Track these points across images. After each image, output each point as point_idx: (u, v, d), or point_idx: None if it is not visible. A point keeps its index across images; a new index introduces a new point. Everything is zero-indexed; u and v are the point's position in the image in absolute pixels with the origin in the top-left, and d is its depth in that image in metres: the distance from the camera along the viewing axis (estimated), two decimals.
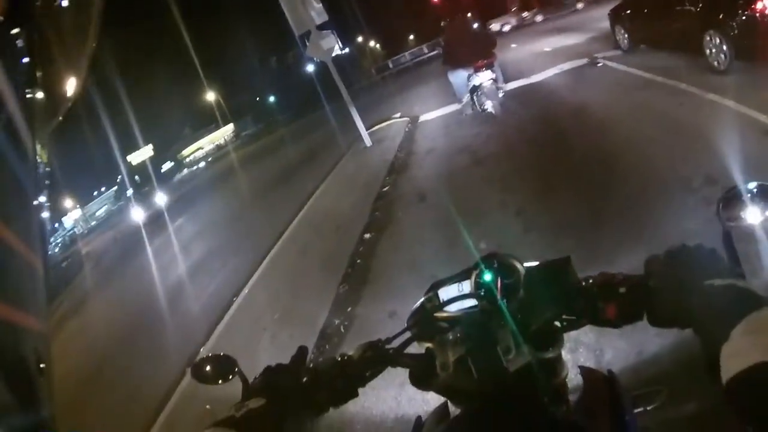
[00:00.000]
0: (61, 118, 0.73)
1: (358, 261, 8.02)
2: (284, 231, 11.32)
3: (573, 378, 1.74)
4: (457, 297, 1.70)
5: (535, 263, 1.68)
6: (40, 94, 0.58)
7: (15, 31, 0.54)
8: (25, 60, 0.54)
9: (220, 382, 1.65)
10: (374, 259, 7.97)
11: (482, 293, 1.68)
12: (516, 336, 1.46)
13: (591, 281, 1.50)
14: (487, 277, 1.69)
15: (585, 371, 1.94)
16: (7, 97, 0.46)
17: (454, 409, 1.80)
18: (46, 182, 0.56)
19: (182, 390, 6.81)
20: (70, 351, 13.81)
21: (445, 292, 1.79)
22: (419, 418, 1.92)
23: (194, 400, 6.19)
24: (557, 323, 1.53)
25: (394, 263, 7.53)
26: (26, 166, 0.46)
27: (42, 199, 0.51)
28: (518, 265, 1.67)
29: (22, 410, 0.37)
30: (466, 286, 1.75)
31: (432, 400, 1.71)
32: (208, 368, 1.67)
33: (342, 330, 6.42)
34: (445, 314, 1.73)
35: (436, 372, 1.51)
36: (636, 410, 1.99)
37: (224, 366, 1.67)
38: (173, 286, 13.31)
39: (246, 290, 9.09)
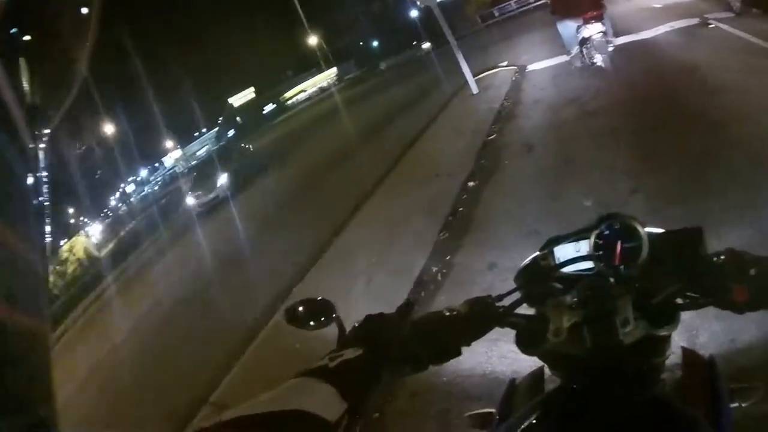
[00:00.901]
0: (60, 117, 0.70)
1: (461, 209, 7.93)
2: (388, 173, 11.42)
3: (672, 357, 1.66)
4: (574, 258, 1.66)
5: (660, 230, 1.62)
6: (40, 92, 0.57)
7: (14, 28, 0.55)
8: (25, 57, 0.54)
9: (314, 325, 1.55)
10: (477, 207, 7.88)
11: (601, 255, 1.61)
12: (636, 308, 1.42)
13: (721, 258, 1.40)
14: (608, 238, 1.61)
15: (686, 353, 1.89)
16: (6, 95, 0.46)
17: (548, 375, 1.79)
18: (46, 180, 0.53)
19: (273, 326, 7.06)
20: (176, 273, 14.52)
21: (562, 251, 1.74)
22: (513, 380, 1.92)
23: (285, 337, 6.23)
24: (679, 299, 1.45)
25: (497, 213, 7.43)
26: (26, 165, 0.47)
27: (42, 198, 0.50)
28: (641, 230, 1.58)
29: (23, 410, 0.38)
30: (584, 247, 1.68)
31: (525, 360, 1.66)
32: (303, 312, 1.57)
33: (439, 278, 6.38)
34: (560, 274, 1.69)
35: (546, 337, 1.45)
36: (732, 404, 1.85)
37: (321, 310, 1.56)
38: (273, 221, 13.78)
39: (345, 232, 9.22)
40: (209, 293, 11.26)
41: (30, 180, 0.47)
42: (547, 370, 1.78)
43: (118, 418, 8.13)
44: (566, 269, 1.67)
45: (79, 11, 0.66)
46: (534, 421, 1.51)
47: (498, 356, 4.37)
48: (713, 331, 3.80)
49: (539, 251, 1.78)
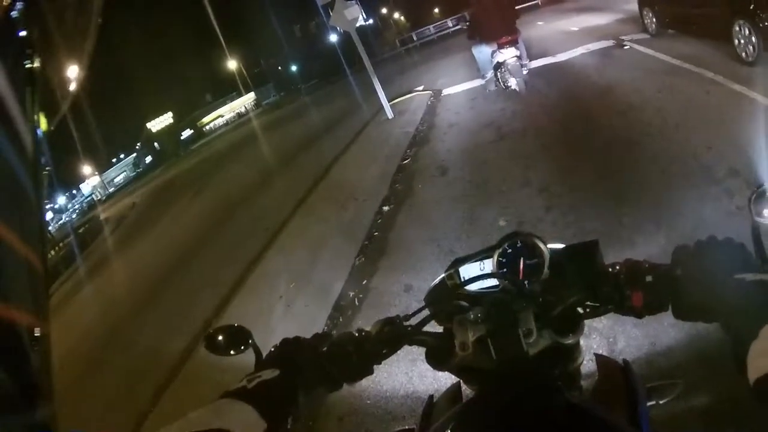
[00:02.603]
0: (61, 116, 0.72)
1: (376, 233, 8.02)
2: (304, 199, 11.32)
3: (587, 365, 1.73)
4: (478, 276, 1.68)
5: (560, 245, 1.69)
6: (40, 90, 0.55)
7: (15, 24, 0.54)
8: (26, 55, 0.53)
9: (233, 353, 1.60)
10: (392, 231, 7.96)
11: (504, 273, 1.67)
12: (538, 319, 1.46)
13: (617, 267, 1.47)
14: (510, 256, 1.68)
15: (600, 359, 1.94)
16: (6, 93, 0.46)
17: (466, 390, 1.82)
18: (46, 177, 0.54)
19: (196, 359, 6.86)
20: (83, 314, 14.11)
21: (467, 270, 1.78)
22: (431, 397, 1.92)
23: (208, 369, 6.07)
24: (580, 309, 1.52)
25: (412, 237, 7.52)
26: (26, 164, 0.46)
27: (43, 195, 0.51)
28: (542, 246, 1.65)
29: (23, 410, 0.38)
30: (488, 265, 1.74)
31: (443, 378, 1.70)
32: (221, 339, 1.61)
33: (357, 302, 6.41)
34: (465, 292, 1.72)
35: (454, 352, 1.49)
36: (650, 403, 1.97)
37: (238, 337, 1.61)
38: (192, 249, 13.45)
39: (265, 259, 9.10)
40: (127, 326, 10.84)
41: (30, 179, 0.46)
42: (464, 385, 1.81)
43: None
44: (472, 287, 1.72)
45: (80, 15, 0.67)
46: None
47: (418, 376, 4.49)
48: (632, 336, 3.97)
49: (445, 271, 1.82)
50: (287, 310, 6.77)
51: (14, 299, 0.39)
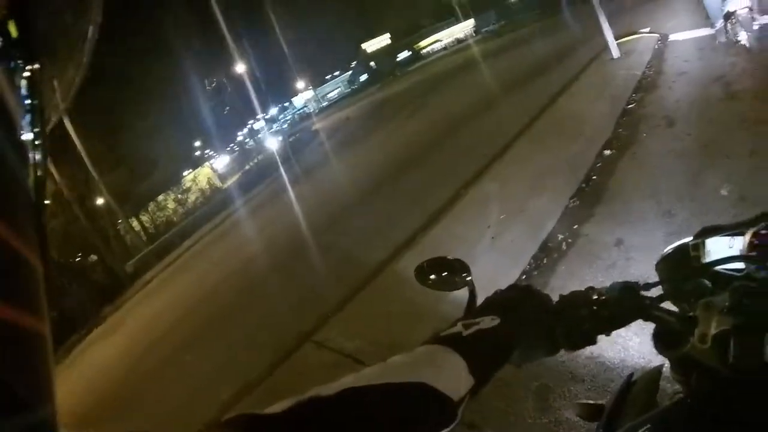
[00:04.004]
0: (61, 114, 0.71)
1: (594, 177, 7.78)
2: (526, 128, 11.21)
3: None
4: (728, 258, 1.47)
5: None
6: (40, 90, 0.54)
7: (14, 23, 0.53)
8: (25, 54, 0.53)
9: (446, 288, 1.49)
10: (611, 178, 7.67)
11: (757, 257, 1.42)
12: None
13: None
14: (765, 239, 1.44)
15: None
16: (6, 92, 0.46)
17: (666, 373, 1.63)
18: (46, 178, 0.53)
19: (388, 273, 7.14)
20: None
21: (714, 244, 1.55)
22: (630, 376, 1.81)
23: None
24: None
25: (631, 187, 7.22)
26: (26, 163, 0.47)
27: (43, 194, 0.51)
28: None
29: (23, 411, 0.38)
30: (738, 243, 1.49)
31: (632, 347, 1.48)
32: (435, 271, 1.50)
33: (564, 247, 6.30)
34: (710, 270, 1.51)
35: (689, 340, 1.30)
36: None
37: (454, 271, 1.49)
38: (404, 168, 13.79)
39: (477, 184, 9.13)
40: (334, 226, 11.72)
41: (30, 179, 0.48)
42: (666, 371, 1.63)
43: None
44: (719, 267, 1.50)
45: (79, 14, 0.65)
46: None
47: (608, 341, 4.23)
48: None
49: (691, 240, 1.60)
50: (492, 243, 6.79)
51: (14, 299, 0.38)
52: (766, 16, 12.63)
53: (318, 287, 8.40)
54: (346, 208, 12.85)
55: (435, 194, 9.39)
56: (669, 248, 1.68)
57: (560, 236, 6.52)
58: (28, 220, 0.43)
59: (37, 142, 0.50)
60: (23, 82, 0.51)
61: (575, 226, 6.67)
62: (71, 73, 0.68)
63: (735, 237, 1.51)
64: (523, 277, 6.04)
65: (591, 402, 1.89)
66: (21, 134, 0.48)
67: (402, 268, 6.93)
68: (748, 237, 1.46)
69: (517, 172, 8.93)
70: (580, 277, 5.63)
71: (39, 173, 0.49)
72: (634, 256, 5.51)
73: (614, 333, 1.41)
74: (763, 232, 1.45)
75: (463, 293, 1.44)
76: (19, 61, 0.51)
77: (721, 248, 1.53)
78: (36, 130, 0.50)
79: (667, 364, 1.57)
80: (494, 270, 6.18)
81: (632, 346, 4.08)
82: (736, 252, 1.49)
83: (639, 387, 1.74)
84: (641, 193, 6.86)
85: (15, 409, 0.37)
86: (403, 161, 14.44)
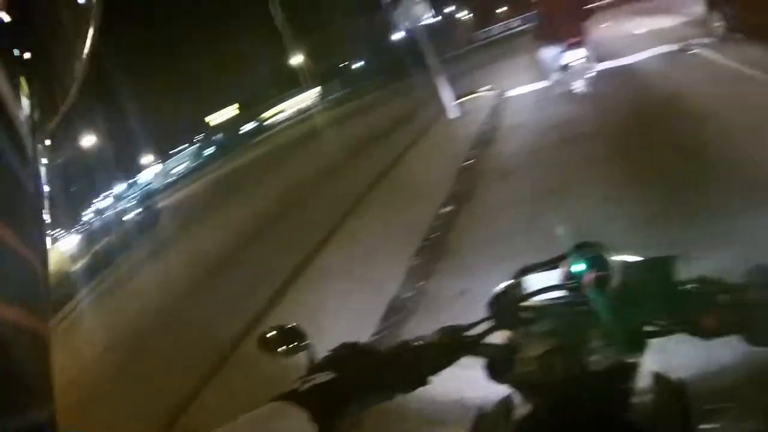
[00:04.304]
0: (61, 114, 0.68)
1: (434, 234, 7.92)
2: (363, 196, 11.40)
3: (643, 383, 1.58)
4: (547, 288, 1.57)
5: (632, 258, 1.59)
6: (40, 90, 0.55)
7: (14, 23, 0.52)
8: (25, 55, 0.53)
9: (287, 355, 1.59)
10: (451, 233, 7.88)
11: (573, 285, 1.55)
12: (605, 336, 1.41)
13: (692, 286, 1.39)
14: (580, 267, 1.56)
15: (657, 378, 1.75)
16: (5, 94, 0.44)
17: (518, 402, 1.66)
18: (46, 179, 0.52)
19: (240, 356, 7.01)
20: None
21: (533, 280, 1.68)
22: (481, 407, 1.80)
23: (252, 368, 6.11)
24: (648, 327, 1.45)
25: (472, 240, 7.44)
26: (26, 164, 0.44)
27: (42, 195, 0.48)
28: (612, 259, 1.54)
29: (22, 411, 0.36)
30: (556, 276, 1.63)
31: (495, 386, 1.60)
32: (275, 339, 1.62)
33: (410, 305, 6.33)
34: (531, 304, 1.63)
35: (517, 365, 1.46)
36: (706, 426, 1.76)
37: (293, 337, 1.60)
38: (250, 235, 13.94)
39: (320, 254, 9.19)
40: (180, 311, 11.28)
41: (30, 179, 0.45)
42: (516, 398, 1.67)
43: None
44: (537, 298, 1.61)
45: (79, 16, 0.64)
46: None
47: (468, 382, 4.28)
48: (687, 354, 3.62)
49: (510, 280, 1.75)
50: (340, 308, 6.79)
51: (14, 299, 0.36)
52: (602, 63, 13.40)
53: (172, 373, 7.99)
54: (193, 290, 12.63)
55: (280, 267, 9.41)
56: (496, 289, 1.78)
57: (405, 296, 6.55)
58: (28, 220, 0.43)
59: (37, 143, 0.50)
60: (23, 83, 0.51)
61: (419, 284, 6.72)
62: (70, 75, 0.66)
63: (552, 270, 1.66)
64: (374, 338, 6.03)
65: None
66: (21, 135, 0.46)
67: (253, 346, 6.69)
68: (563, 268, 1.61)
69: (356, 241, 9.14)
70: (429, 330, 5.58)
71: (39, 173, 0.49)
72: (479, 303, 5.44)
73: (471, 374, 1.63)
74: (578, 262, 1.58)
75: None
76: (20, 63, 0.52)
77: (540, 282, 1.65)
78: (36, 131, 0.50)
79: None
80: (343, 337, 5.93)
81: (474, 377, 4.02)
82: (554, 283, 1.62)
83: (491, 416, 1.76)
84: (480, 244, 7.12)
85: (15, 409, 0.37)
86: (249, 236, 14.52)
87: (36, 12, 0.55)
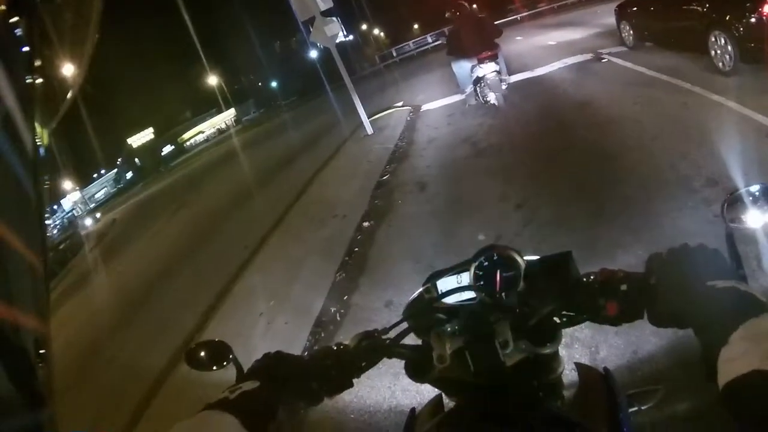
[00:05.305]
0: (61, 113, 0.72)
1: (356, 249, 8.00)
2: (283, 217, 11.30)
3: (568, 374, 1.75)
4: (455, 288, 1.68)
5: (535, 257, 1.68)
6: (40, 88, 0.57)
7: (14, 19, 0.54)
8: (25, 51, 0.54)
9: (214, 368, 1.63)
10: (372, 247, 7.94)
11: (481, 285, 1.68)
12: (514, 330, 1.46)
13: (592, 277, 1.50)
14: (487, 269, 1.70)
15: (581, 368, 1.94)
16: (5, 91, 0.46)
17: (448, 402, 1.82)
18: (46, 179, 0.55)
19: (177, 375, 6.80)
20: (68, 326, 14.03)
21: (444, 284, 1.79)
22: (413, 409, 1.92)
23: (189, 384, 6.00)
24: (556, 319, 1.53)
25: (392, 252, 7.51)
26: (26, 163, 0.46)
27: (43, 195, 0.50)
28: (518, 258, 1.66)
29: (22, 411, 0.37)
30: (465, 278, 1.75)
31: (426, 391, 1.74)
32: (202, 354, 1.64)
33: (338, 318, 6.40)
34: (443, 305, 1.72)
35: (433, 364, 1.49)
36: (631, 409, 2.00)
37: (219, 352, 1.65)
38: (171, 267, 13.39)
39: (245, 276, 9.08)
40: (108, 343, 10.69)
41: (30, 179, 0.46)
42: (445, 398, 1.83)
43: None
44: (450, 300, 1.72)
45: (79, 18, 0.65)
46: None
47: (401, 389, 4.48)
48: (614, 344, 4.00)
49: (423, 285, 1.82)
50: (268, 328, 6.74)
51: (14, 299, 0.38)
52: (514, 76, 13.63)
53: (104, 410, 7.56)
54: (120, 321, 11.93)
55: (202, 294, 9.27)
56: (412, 295, 1.86)
57: (332, 309, 6.60)
58: (28, 221, 0.44)
59: (37, 144, 0.49)
60: (24, 77, 0.52)
61: (345, 297, 6.78)
62: (72, 68, 0.68)
63: (462, 273, 1.79)
64: (305, 353, 5.77)
65: None
66: (22, 137, 0.47)
67: (183, 371, 6.53)
68: (472, 270, 1.73)
69: (280, 260, 9.06)
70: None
71: (39, 174, 0.48)
72: (402, 311, 5.56)
73: (405, 383, 2.03)
74: (485, 264, 1.72)
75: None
76: (20, 64, 0.52)
77: (450, 285, 1.77)
78: (36, 131, 0.50)
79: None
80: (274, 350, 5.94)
81: (425, 389, 4.02)
82: (464, 285, 1.74)
83: (423, 417, 1.87)
84: (402, 255, 7.21)
85: (15, 409, 0.37)
86: (169, 263, 14.20)
87: (36, 12, 0.56)
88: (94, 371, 8.96)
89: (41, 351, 0.41)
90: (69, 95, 0.71)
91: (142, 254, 18.50)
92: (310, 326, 6.40)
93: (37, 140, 0.52)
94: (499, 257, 1.69)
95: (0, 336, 0.36)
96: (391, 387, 4.54)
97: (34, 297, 0.42)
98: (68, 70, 0.68)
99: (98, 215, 48.26)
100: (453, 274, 1.80)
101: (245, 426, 1.22)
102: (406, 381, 1.64)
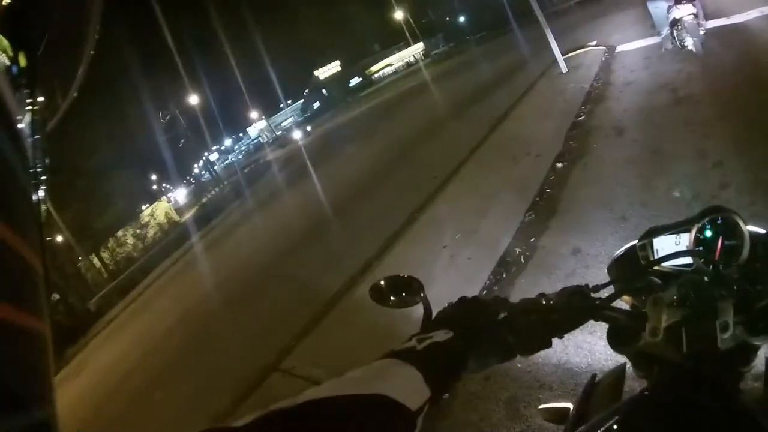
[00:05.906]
0: (62, 113, 0.71)
1: (548, 190, 7.83)
2: (475, 150, 11.29)
3: (755, 366, 1.50)
4: (676, 253, 1.52)
5: (762, 230, 1.53)
6: (39, 89, 0.56)
7: (15, 23, 0.54)
8: (26, 56, 0.53)
9: (401, 306, 1.49)
10: (564, 190, 7.73)
11: (700, 251, 1.51)
12: (737, 312, 1.32)
13: None
14: (709, 234, 1.53)
15: None
16: (6, 94, 0.46)
17: (630, 372, 1.70)
18: (46, 179, 0.55)
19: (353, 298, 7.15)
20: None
21: (661, 243, 1.65)
22: (594, 375, 1.83)
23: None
24: None
25: (585, 197, 7.27)
26: (25, 163, 0.47)
27: (41, 195, 0.51)
28: (744, 228, 1.48)
29: (23, 411, 0.38)
30: (684, 240, 1.60)
31: (598, 351, 1.52)
32: (390, 290, 1.50)
33: (522, 260, 6.33)
34: (658, 269, 1.59)
35: (641, 335, 1.37)
36: None
37: (407, 288, 1.49)
38: (361, 192, 13.93)
39: (430, 206, 9.21)
40: (291, 256, 11.76)
41: (30, 179, 0.47)
42: (629, 369, 1.69)
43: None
44: (664, 264, 1.57)
45: (80, 18, 0.66)
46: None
47: (574, 346, 4.30)
48: None
49: (638, 241, 1.70)
50: (451, 261, 6.78)
51: (14, 299, 0.38)
52: (710, 22, 12.86)
53: (278, 318, 8.43)
54: (302, 238, 12.93)
55: (389, 219, 9.46)
56: (619, 251, 1.77)
57: (518, 250, 6.54)
58: (28, 221, 0.43)
59: (37, 144, 0.51)
60: (24, 84, 0.52)
61: (532, 239, 6.69)
62: (71, 74, 0.69)
63: (681, 234, 1.61)
64: (484, 292, 6.00)
65: (556, 405, 1.92)
66: (21, 136, 0.47)
67: (360, 295, 6.88)
68: (693, 233, 1.54)
69: (469, 193, 9.00)
70: (541, 288, 5.51)
71: (39, 173, 0.50)
72: (591, 263, 5.58)
73: (580, 338, 1.45)
74: (707, 227, 1.53)
75: (419, 309, 1.45)
76: (21, 64, 0.52)
77: (668, 246, 1.63)
78: (36, 132, 0.51)
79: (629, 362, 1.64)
80: (454, 288, 6.17)
81: (598, 350, 4.08)
82: (682, 248, 1.57)
83: (603, 387, 1.77)
84: (594, 201, 6.95)
85: (15, 409, 0.37)
86: (356, 189, 14.57)
87: (36, 12, 0.57)
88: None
89: (41, 350, 0.42)
90: (70, 96, 0.71)
91: (325, 183, 19.35)
92: (493, 265, 6.37)
93: (37, 140, 0.55)
94: (724, 222, 1.52)
95: (0, 336, 0.37)
96: (563, 342, 4.30)
97: (34, 296, 0.42)
98: (69, 72, 0.69)
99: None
100: (672, 233, 1.63)
101: (428, 382, 1.12)
102: (581, 337, 1.48)
